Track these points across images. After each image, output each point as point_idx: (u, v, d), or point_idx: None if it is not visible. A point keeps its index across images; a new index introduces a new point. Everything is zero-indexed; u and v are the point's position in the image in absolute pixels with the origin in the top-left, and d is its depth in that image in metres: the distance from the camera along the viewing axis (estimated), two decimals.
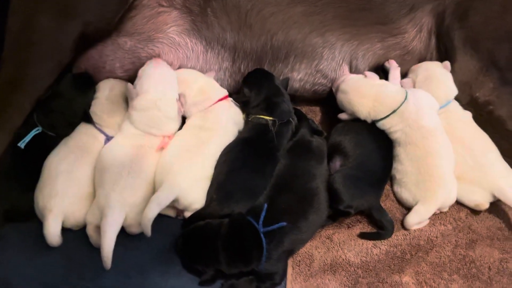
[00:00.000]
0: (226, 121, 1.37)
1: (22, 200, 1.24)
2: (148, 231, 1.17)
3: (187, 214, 1.26)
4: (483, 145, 1.36)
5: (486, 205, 1.31)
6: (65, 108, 1.35)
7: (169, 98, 1.35)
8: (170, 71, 1.42)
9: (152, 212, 1.17)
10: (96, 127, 1.36)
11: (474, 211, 1.34)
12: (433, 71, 1.43)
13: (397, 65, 1.46)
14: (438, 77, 1.42)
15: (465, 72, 1.42)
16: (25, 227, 1.25)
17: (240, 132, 1.39)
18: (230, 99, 1.44)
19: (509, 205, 1.27)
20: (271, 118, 1.36)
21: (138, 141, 1.31)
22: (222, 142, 1.34)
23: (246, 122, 1.40)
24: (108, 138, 1.36)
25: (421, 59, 1.51)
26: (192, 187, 1.24)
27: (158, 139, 1.33)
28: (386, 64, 1.49)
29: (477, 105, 1.41)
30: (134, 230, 1.22)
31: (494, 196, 1.29)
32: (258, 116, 1.37)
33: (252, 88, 1.42)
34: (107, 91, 1.43)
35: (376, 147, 1.35)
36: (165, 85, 1.38)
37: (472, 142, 1.35)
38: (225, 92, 1.44)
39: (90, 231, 1.20)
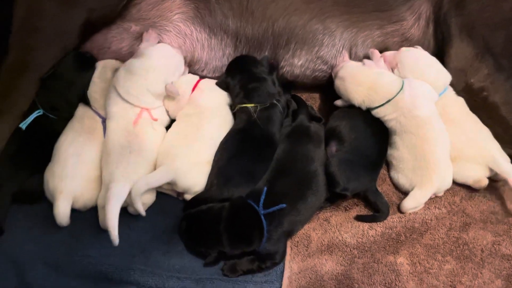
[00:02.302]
0: (206, 104, 1.40)
1: (30, 183, 1.27)
2: (138, 206, 1.21)
3: (188, 196, 1.30)
4: (475, 124, 1.40)
5: (484, 181, 1.35)
6: (65, 88, 1.37)
7: (160, 75, 1.37)
8: (181, 59, 1.45)
9: (139, 189, 1.21)
10: (92, 109, 1.39)
11: (469, 196, 1.38)
12: (429, 61, 1.45)
13: (379, 55, 1.48)
14: (434, 67, 1.44)
15: (461, 59, 1.45)
16: (31, 208, 1.29)
17: (235, 123, 1.41)
18: (201, 81, 1.47)
19: (503, 175, 1.31)
20: (252, 104, 1.38)
21: (124, 123, 1.32)
22: (216, 123, 1.38)
23: (237, 113, 1.42)
24: (104, 120, 1.38)
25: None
26: (190, 171, 1.28)
27: (136, 113, 1.35)
28: (370, 53, 1.50)
29: (471, 91, 1.43)
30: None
31: (491, 170, 1.33)
32: (241, 105, 1.40)
33: (231, 77, 1.45)
34: (99, 69, 1.45)
35: (371, 132, 1.38)
36: (167, 63, 1.41)
37: (465, 122, 1.39)
38: (194, 79, 1.47)
39: (101, 215, 1.23)
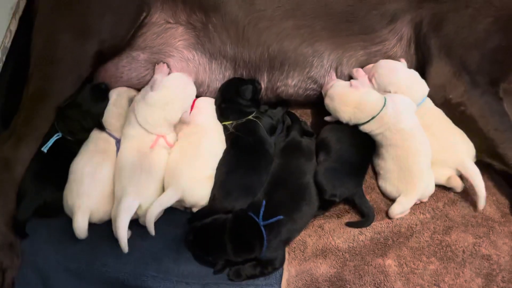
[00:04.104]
0: (203, 123, 1.49)
1: (54, 198, 1.36)
2: (151, 227, 1.30)
3: (195, 210, 1.39)
4: (448, 130, 1.49)
5: (455, 179, 1.43)
6: (82, 117, 1.46)
7: (178, 106, 1.46)
8: (193, 87, 1.54)
9: (155, 211, 1.30)
10: (107, 132, 1.48)
11: (451, 201, 1.45)
12: (404, 74, 1.53)
13: (364, 73, 1.55)
14: (416, 81, 1.53)
15: (440, 76, 1.52)
16: (53, 223, 1.38)
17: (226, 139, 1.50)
18: (197, 100, 1.56)
19: (468, 177, 1.40)
20: (229, 122, 1.50)
21: (138, 144, 1.41)
22: (213, 139, 1.46)
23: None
24: (118, 141, 1.46)
25: None
26: (194, 188, 1.36)
27: (152, 139, 1.43)
28: (354, 72, 1.58)
29: (450, 106, 1.51)
30: None
31: (459, 171, 1.43)
32: (222, 124, 1.52)
33: (216, 99, 1.59)
34: (114, 97, 1.54)
35: (355, 142, 1.46)
36: (184, 93, 1.49)
37: (438, 128, 1.48)
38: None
39: (114, 224, 1.31)
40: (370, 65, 1.57)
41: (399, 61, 1.59)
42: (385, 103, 1.46)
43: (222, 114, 1.54)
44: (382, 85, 1.52)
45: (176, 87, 1.49)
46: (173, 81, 1.50)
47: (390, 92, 1.51)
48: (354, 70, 1.58)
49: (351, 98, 1.48)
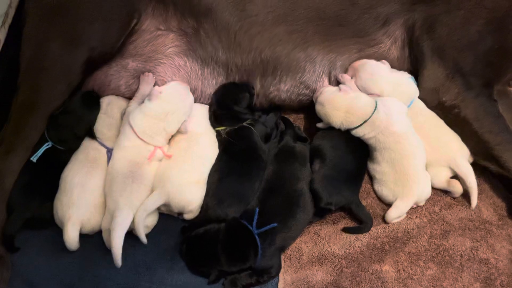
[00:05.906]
0: (194, 129, 1.48)
1: (42, 210, 1.35)
2: (142, 234, 1.29)
3: (186, 216, 1.38)
4: (440, 130, 1.49)
5: (456, 184, 1.43)
6: (74, 123, 1.45)
7: (178, 116, 1.44)
8: (191, 96, 1.52)
9: (141, 216, 1.29)
10: (98, 141, 1.46)
11: (448, 205, 1.45)
12: (391, 81, 1.53)
13: (349, 77, 1.55)
14: (403, 84, 1.54)
15: (433, 79, 1.52)
16: (44, 234, 1.37)
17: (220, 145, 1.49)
18: None
19: (461, 175, 1.41)
20: (222, 128, 1.49)
21: (131, 155, 1.39)
22: (203, 144, 1.46)
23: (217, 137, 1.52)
24: (109, 150, 1.45)
25: (399, 67, 1.61)
26: (180, 192, 1.35)
27: (148, 151, 1.41)
28: (340, 78, 1.57)
29: (444, 108, 1.51)
30: None
31: (453, 171, 1.43)
32: (215, 129, 1.51)
33: (210, 105, 1.58)
34: (105, 106, 1.53)
35: (350, 148, 1.46)
36: (183, 103, 1.48)
37: (430, 128, 1.48)
38: None
39: (105, 236, 1.31)
40: (356, 64, 1.56)
41: (382, 61, 1.58)
42: (376, 107, 1.46)
43: (216, 120, 1.53)
44: (362, 89, 1.53)
45: (176, 97, 1.47)
46: (173, 91, 1.48)
47: (373, 95, 1.52)
48: (340, 75, 1.58)
49: (342, 103, 1.48)
